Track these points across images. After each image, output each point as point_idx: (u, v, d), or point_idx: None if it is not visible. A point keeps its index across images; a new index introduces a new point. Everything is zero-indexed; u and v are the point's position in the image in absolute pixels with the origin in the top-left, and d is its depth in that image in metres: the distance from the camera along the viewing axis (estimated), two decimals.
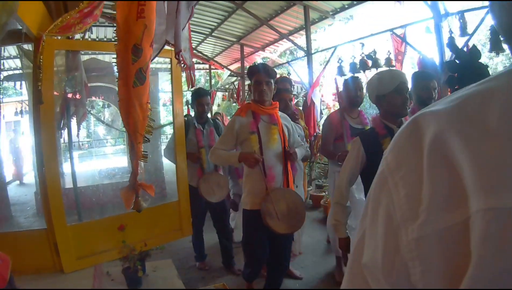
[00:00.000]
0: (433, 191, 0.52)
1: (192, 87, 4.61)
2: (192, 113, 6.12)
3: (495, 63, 21.32)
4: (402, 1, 7.56)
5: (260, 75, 3.97)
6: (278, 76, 4.55)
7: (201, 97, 5.47)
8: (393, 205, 0.57)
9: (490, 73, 4.60)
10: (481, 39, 20.65)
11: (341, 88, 5.51)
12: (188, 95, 16.51)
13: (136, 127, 3.27)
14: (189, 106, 15.23)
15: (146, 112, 3.32)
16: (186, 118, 5.43)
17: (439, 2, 5.90)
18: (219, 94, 16.62)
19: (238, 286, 4.86)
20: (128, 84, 3.13)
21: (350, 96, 4.99)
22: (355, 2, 8.62)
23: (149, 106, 3.37)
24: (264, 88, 3.96)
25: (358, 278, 0.65)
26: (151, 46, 3.18)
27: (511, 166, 0.47)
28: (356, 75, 6.81)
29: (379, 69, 7.29)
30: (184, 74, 4.18)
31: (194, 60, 4.34)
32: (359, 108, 5.09)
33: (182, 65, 3.77)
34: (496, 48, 5.30)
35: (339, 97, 6.03)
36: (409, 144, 0.58)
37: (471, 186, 0.49)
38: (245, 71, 10.55)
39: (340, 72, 7.88)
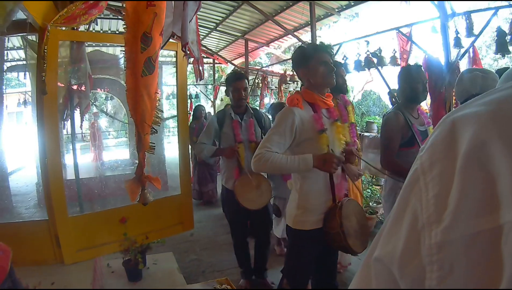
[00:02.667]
0: (462, 195, 0.51)
1: (200, 80, 4.48)
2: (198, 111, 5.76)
3: (499, 65, 21.31)
4: (408, 0, 7.53)
5: (323, 55, 3.14)
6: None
7: (236, 81, 4.61)
8: (421, 205, 0.56)
9: None
10: (486, 41, 20.65)
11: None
12: (191, 89, 16.50)
13: (144, 118, 3.19)
14: (192, 100, 15.31)
15: (154, 102, 3.23)
16: (202, 110, 5.20)
17: (446, 2, 5.88)
18: (223, 89, 16.58)
19: (239, 280, 4.86)
20: (136, 74, 3.07)
21: (412, 90, 4.01)
22: (360, 0, 8.60)
23: (157, 97, 3.29)
24: (332, 70, 3.15)
25: (369, 271, 0.65)
26: (160, 35, 3.12)
27: None
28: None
29: (384, 68, 7.29)
30: (190, 68, 4.12)
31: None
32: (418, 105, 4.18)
33: (189, 58, 3.75)
34: (502, 50, 5.29)
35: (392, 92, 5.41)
36: (445, 144, 0.57)
37: (507, 195, 0.46)
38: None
39: (345, 69, 7.87)
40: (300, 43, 10.81)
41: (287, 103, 3.34)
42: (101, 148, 13.61)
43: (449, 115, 0.59)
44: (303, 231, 3.17)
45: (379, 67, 7.18)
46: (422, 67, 4.24)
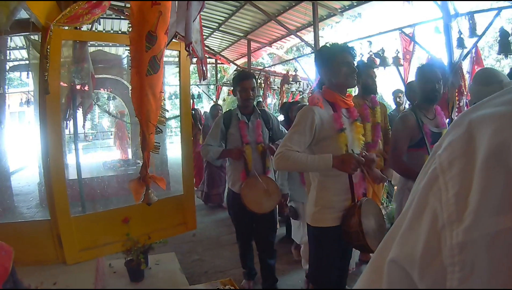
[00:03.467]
0: (483, 194, 0.50)
1: (204, 80, 4.41)
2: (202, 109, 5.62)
3: (502, 65, 21.31)
4: (411, 1, 7.54)
5: (346, 56, 3.11)
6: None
7: (243, 80, 4.35)
8: (441, 205, 0.55)
9: None
10: (489, 41, 20.67)
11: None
12: (194, 89, 16.51)
13: (149, 117, 3.17)
14: (194, 100, 15.30)
15: (159, 101, 3.22)
16: (219, 110, 5.16)
17: (449, 2, 5.87)
18: (225, 89, 16.62)
19: (241, 282, 4.85)
20: (141, 73, 3.05)
21: (426, 89, 3.88)
22: (363, 0, 8.61)
23: (162, 96, 3.28)
24: (354, 71, 3.13)
25: (379, 273, 0.64)
26: (165, 34, 3.10)
27: None
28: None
29: (387, 68, 7.30)
30: (192, 68, 4.11)
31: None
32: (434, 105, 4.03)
33: (193, 57, 3.74)
34: (504, 50, 5.30)
35: (410, 90, 5.24)
36: (463, 144, 0.56)
37: None
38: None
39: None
40: (302, 43, 10.84)
41: (308, 102, 3.30)
42: (126, 147, 13.70)
43: (464, 115, 0.58)
44: (322, 228, 3.16)
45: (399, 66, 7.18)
46: (437, 66, 4.12)
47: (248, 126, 4.43)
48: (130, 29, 3.06)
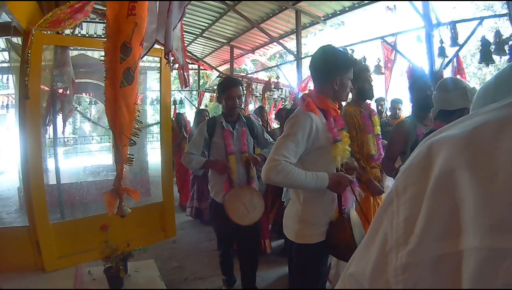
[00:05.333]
0: (428, 219, 0.52)
1: (185, 87, 4.32)
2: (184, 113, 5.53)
3: (483, 73, 21.55)
4: (394, 8, 7.61)
5: (350, 72, 3.02)
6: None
7: (231, 88, 4.20)
8: (391, 228, 0.58)
9: None
10: (471, 50, 20.88)
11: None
12: (176, 95, 16.46)
13: (122, 129, 3.10)
14: (176, 105, 15.27)
15: (133, 114, 3.14)
16: (206, 116, 5.04)
17: (431, 11, 5.93)
18: (207, 95, 16.61)
19: (221, 288, 4.84)
20: (115, 84, 2.98)
21: (418, 98, 4.01)
22: (346, 9, 8.69)
23: (136, 108, 3.20)
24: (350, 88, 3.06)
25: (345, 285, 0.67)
26: (141, 45, 3.05)
27: None
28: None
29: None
30: (174, 74, 4.08)
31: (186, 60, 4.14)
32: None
33: (174, 64, 3.72)
34: (486, 59, 5.36)
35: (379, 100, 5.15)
36: (419, 168, 0.57)
37: (469, 221, 0.48)
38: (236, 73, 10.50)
39: None
40: (284, 50, 10.86)
41: (301, 106, 3.00)
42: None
43: (428, 138, 0.59)
44: (309, 245, 2.96)
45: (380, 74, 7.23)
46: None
47: (233, 135, 4.29)
48: (105, 40, 3.03)
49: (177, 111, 14.53)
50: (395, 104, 7.44)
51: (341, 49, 3.00)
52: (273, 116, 11.40)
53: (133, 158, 3.39)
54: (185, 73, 3.91)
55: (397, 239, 0.55)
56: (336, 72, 2.91)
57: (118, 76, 2.96)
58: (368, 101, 4.49)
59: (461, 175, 0.50)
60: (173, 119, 10.25)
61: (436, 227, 0.51)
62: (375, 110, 5.10)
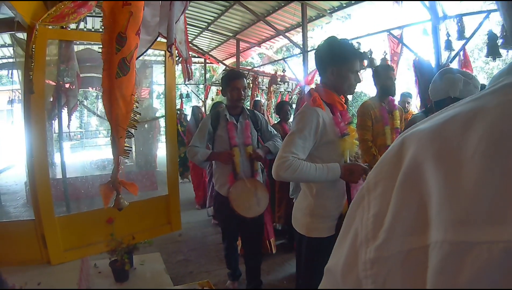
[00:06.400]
0: (396, 214, 0.52)
1: (189, 80, 4.29)
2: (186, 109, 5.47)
3: (490, 67, 21.42)
4: (400, 2, 7.56)
5: (357, 64, 2.97)
6: None
7: (235, 80, 4.16)
8: (361, 224, 0.58)
9: None
10: (478, 44, 20.77)
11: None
12: (182, 88, 16.46)
13: (118, 121, 3.07)
14: (182, 99, 15.28)
15: (130, 105, 3.10)
16: (213, 109, 5.01)
17: (438, 4, 5.89)
18: (214, 89, 16.60)
19: (225, 282, 4.84)
20: (111, 75, 2.96)
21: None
22: (353, 2, 8.65)
23: (134, 99, 3.16)
24: (359, 81, 3.01)
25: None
26: (137, 35, 3.01)
27: (478, 200, 0.45)
28: None
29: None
30: (180, 67, 4.05)
31: (190, 53, 4.10)
32: None
33: (177, 57, 3.70)
34: (493, 53, 5.30)
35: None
36: (390, 164, 0.58)
37: (435, 215, 0.48)
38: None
39: None
40: (291, 44, 10.84)
41: (308, 101, 2.98)
42: None
43: (402, 134, 0.60)
44: (320, 239, 2.94)
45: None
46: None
47: (237, 128, 4.28)
48: (102, 31, 3.01)
49: (183, 105, 14.56)
50: (404, 98, 7.42)
51: (345, 41, 2.94)
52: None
53: (130, 150, 3.38)
54: (189, 66, 3.89)
55: (367, 234, 0.56)
56: (331, 62, 2.91)
57: (114, 67, 2.94)
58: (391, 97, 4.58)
59: (428, 169, 0.50)
60: (180, 113, 10.21)
61: (404, 221, 0.51)
62: (398, 105, 5.12)
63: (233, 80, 4.16)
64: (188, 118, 10.55)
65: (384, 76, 4.50)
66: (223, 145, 4.24)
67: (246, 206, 4.09)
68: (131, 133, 3.23)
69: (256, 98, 11.74)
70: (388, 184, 0.56)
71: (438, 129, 0.53)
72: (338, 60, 2.89)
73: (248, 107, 4.77)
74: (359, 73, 2.99)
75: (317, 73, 8.23)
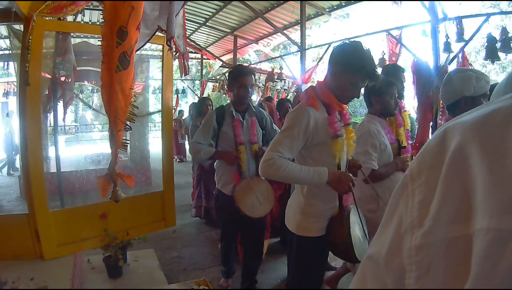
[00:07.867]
0: (442, 202, 0.55)
1: (185, 75, 4.22)
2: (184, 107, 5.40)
3: (488, 70, 21.49)
4: (399, 2, 7.54)
5: (364, 76, 2.80)
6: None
7: (244, 77, 4.08)
8: (406, 210, 0.61)
9: None
10: (476, 46, 20.82)
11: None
12: (178, 84, 16.41)
13: (117, 114, 3.06)
14: (178, 95, 15.23)
15: (128, 98, 3.11)
16: (209, 105, 5.00)
17: (437, 5, 5.87)
18: (210, 85, 16.58)
19: (219, 280, 4.82)
20: (110, 69, 2.95)
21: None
22: (352, 1, 8.64)
23: (132, 93, 3.16)
24: (361, 88, 2.87)
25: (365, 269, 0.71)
26: (137, 29, 3.00)
27: None
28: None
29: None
30: (176, 62, 4.02)
31: (187, 48, 4.06)
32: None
33: (175, 52, 3.68)
34: (491, 56, 5.29)
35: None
36: (433, 153, 0.61)
37: (479, 203, 0.50)
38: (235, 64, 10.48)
39: None
40: (288, 41, 10.82)
41: (301, 100, 2.94)
42: None
43: (444, 125, 0.62)
44: (309, 238, 2.94)
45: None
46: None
47: (243, 125, 4.21)
48: (102, 24, 2.99)
49: (179, 101, 14.52)
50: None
51: (369, 55, 2.74)
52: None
53: (128, 143, 3.39)
54: (186, 61, 3.86)
55: (412, 221, 0.59)
56: (344, 65, 2.76)
57: (114, 60, 2.93)
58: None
59: (473, 159, 0.52)
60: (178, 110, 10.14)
61: (449, 210, 0.54)
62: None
63: (241, 76, 4.09)
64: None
65: (394, 78, 4.31)
66: (228, 143, 4.18)
67: (251, 206, 4.01)
68: (129, 126, 3.22)
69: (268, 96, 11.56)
70: (431, 172, 0.59)
71: (482, 121, 0.54)
72: (352, 68, 2.74)
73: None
74: (361, 90, 2.88)
75: (314, 71, 8.15)
